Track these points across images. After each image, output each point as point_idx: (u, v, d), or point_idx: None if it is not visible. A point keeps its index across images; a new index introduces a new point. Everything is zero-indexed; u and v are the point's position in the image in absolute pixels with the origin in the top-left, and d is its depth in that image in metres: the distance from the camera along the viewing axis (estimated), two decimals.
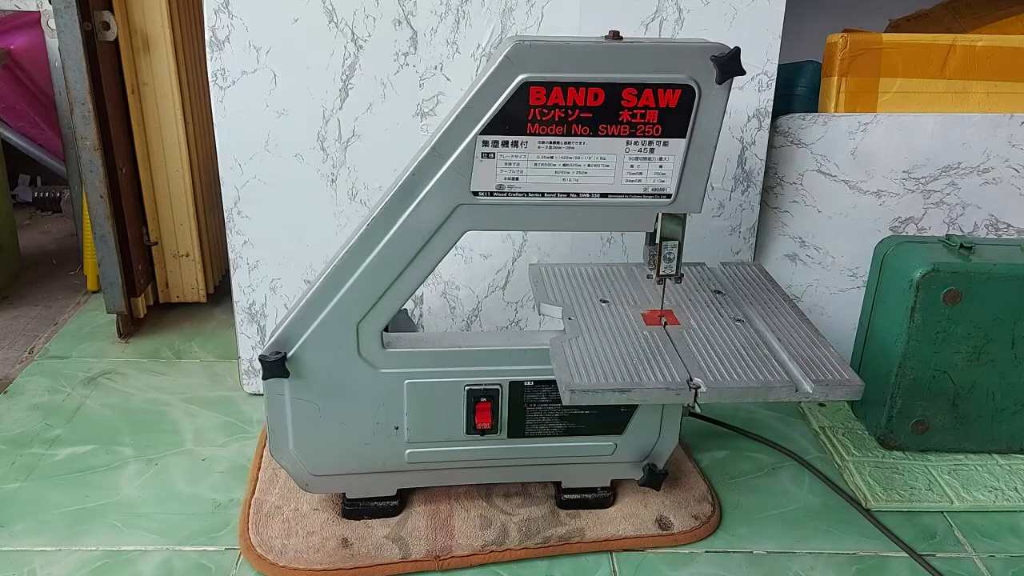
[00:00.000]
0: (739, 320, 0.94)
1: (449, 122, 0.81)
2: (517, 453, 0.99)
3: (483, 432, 0.96)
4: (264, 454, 1.11)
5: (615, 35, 0.81)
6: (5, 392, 1.30)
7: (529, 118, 0.81)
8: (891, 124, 1.23)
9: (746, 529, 1.03)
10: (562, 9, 1.12)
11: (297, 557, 0.94)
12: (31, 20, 1.85)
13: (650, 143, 0.83)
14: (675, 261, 0.90)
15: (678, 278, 0.91)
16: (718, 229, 1.27)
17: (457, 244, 0.88)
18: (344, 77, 1.14)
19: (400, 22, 1.12)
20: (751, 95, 1.19)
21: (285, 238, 1.21)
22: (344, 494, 1.00)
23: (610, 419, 0.98)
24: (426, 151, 0.83)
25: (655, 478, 1.00)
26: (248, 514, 1.01)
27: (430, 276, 0.92)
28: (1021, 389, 1.13)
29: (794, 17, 1.20)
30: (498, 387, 0.94)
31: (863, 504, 1.07)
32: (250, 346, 1.27)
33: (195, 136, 1.47)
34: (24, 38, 1.80)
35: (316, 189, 1.19)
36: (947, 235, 1.14)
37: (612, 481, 1.03)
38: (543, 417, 0.97)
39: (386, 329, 0.92)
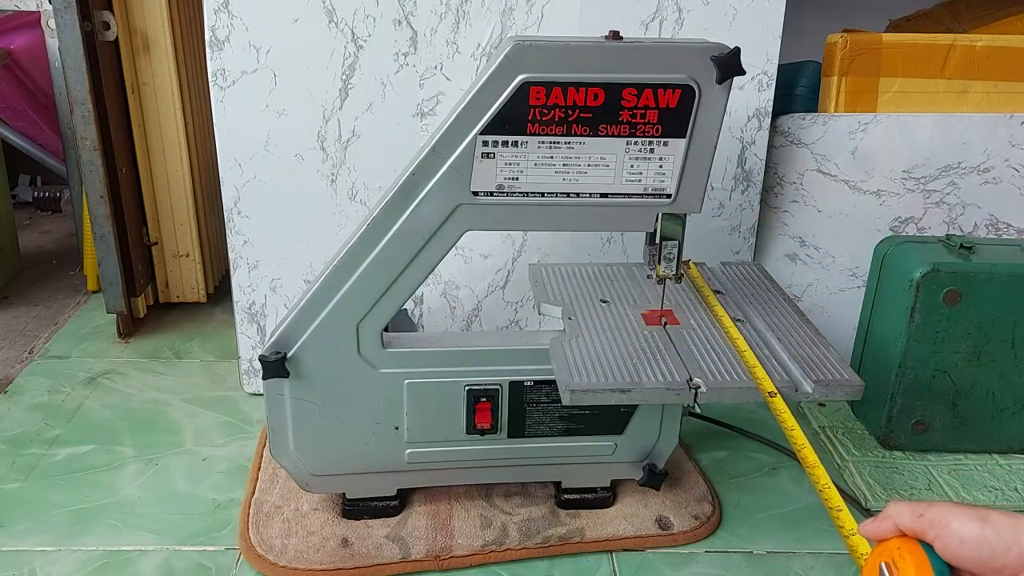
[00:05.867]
0: (739, 320, 0.94)
1: (449, 122, 0.81)
2: (517, 453, 0.99)
3: (483, 432, 0.96)
4: (264, 454, 1.11)
5: (615, 35, 0.81)
6: (5, 392, 1.30)
7: (529, 118, 0.81)
8: (891, 124, 1.23)
9: (746, 529, 1.03)
10: (562, 9, 1.12)
11: (297, 557, 0.94)
12: (31, 20, 1.85)
13: (650, 143, 0.83)
14: (675, 261, 0.90)
15: (678, 278, 0.91)
16: (718, 229, 1.27)
17: (457, 244, 0.88)
18: (344, 77, 1.14)
19: (400, 22, 1.12)
20: (751, 95, 1.19)
21: (285, 238, 1.21)
22: (344, 494, 1.00)
23: (610, 419, 0.98)
24: (426, 151, 0.83)
25: (655, 478, 1.00)
26: (248, 514, 1.01)
27: (430, 276, 0.92)
28: (1021, 389, 1.13)
29: (794, 17, 1.20)
30: (498, 387, 0.94)
31: (863, 504, 1.07)
32: (250, 346, 1.27)
33: (195, 136, 1.47)
34: (24, 38, 1.80)
35: (316, 189, 1.19)
36: (947, 235, 1.14)
37: (612, 481, 1.03)
38: (543, 417, 0.97)
39: (386, 329, 0.92)
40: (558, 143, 0.82)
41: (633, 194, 0.85)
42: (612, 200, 0.85)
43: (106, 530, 1.00)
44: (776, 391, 0.79)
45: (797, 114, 1.26)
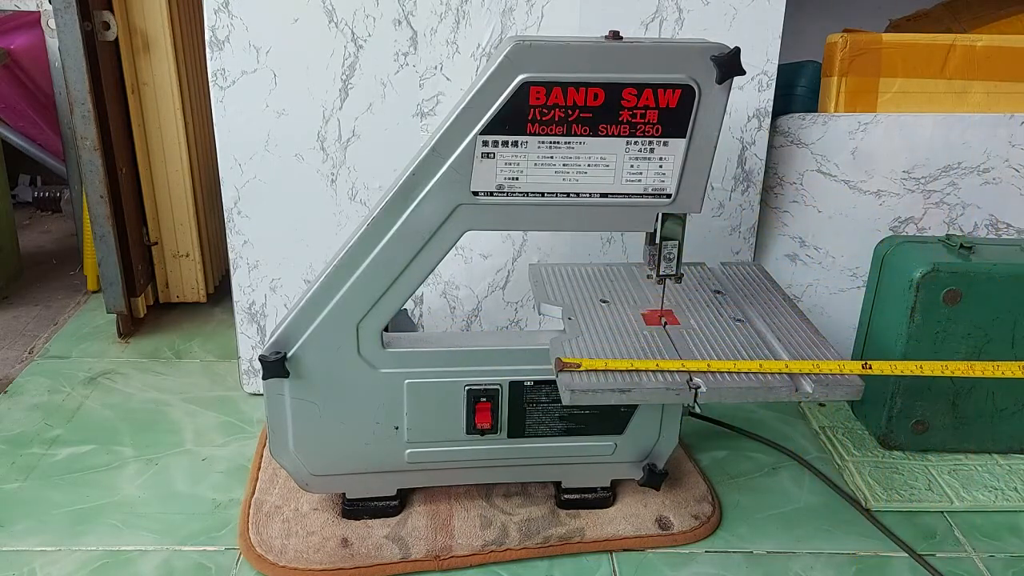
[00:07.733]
0: (739, 320, 0.94)
1: (449, 122, 0.81)
2: (517, 453, 0.99)
3: (483, 432, 0.96)
4: (264, 454, 1.11)
5: (615, 35, 0.81)
6: (5, 392, 1.30)
7: (529, 118, 0.81)
8: (891, 124, 1.23)
9: (746, 529, 1.03)
10: (562, 9, 1.12)
11: (297, 557, 0.94)
12: (31, 20, 1.85)
13: (650, 143, 0.83)
14: (675, 261, 0.90)
15: (678, 278, 0.91)
16: (718, 229, 1.27)
17: (457, 244, 0.88)
18: (344, 77, 1.14)
19: (400, 22, 1.12)
20: (751, 95, 1.19)
21: (285, 238, 1.21)
22: (344, 494, 1.00)
23: (610, 419, 0.98)
24: (426, 151, 0.83)
25: (655, 478, 1.00)
26: (248, 514, 1.01)
27: (430, 276, 0.92)
28: (1021, 389, 1.13)
29: (794, 17, 1.20)
30: (498, 387, 0.94)
31: (863, 504, 1.07)
32: (250, 346, 1.27)
33: (195, 136, 1.47)
34: (24, 38, 1.80)
35: (316, 189, 1.19)
36: (947, 235, 1.14)
37: (612, 481, 1.03)
38: (543, 417, 0.96)
39: (386, 329, 0.92)
40: (558, 143, 0.82)
41: (633, 194, 0.85)
42: (612, 200, 0.85)
43: (106, 530, 1.00)
44: None
45: (797, 114, 1.26)
